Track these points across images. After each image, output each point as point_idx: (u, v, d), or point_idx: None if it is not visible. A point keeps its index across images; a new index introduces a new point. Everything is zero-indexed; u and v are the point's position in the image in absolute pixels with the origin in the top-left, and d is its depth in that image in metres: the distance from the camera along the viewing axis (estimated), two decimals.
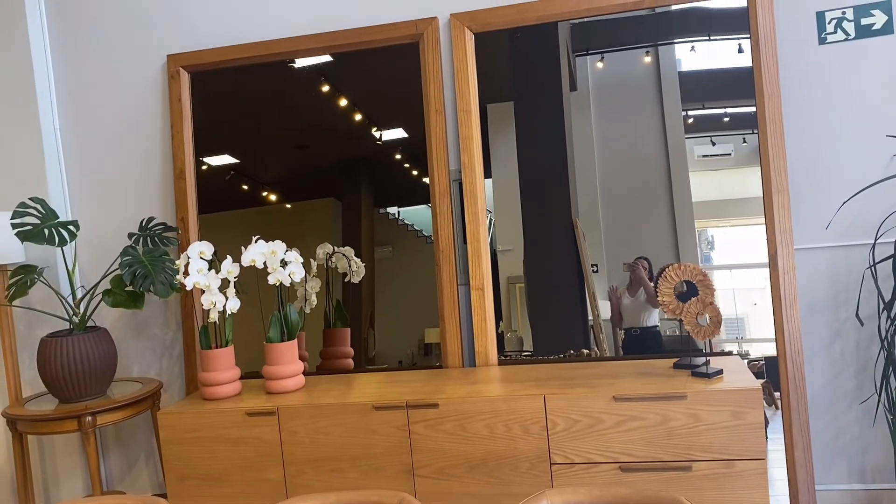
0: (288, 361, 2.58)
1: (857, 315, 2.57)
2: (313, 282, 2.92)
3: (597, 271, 2.70)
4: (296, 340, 2.61)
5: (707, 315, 2.29)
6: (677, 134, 2.64)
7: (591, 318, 2.69)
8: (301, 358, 2.67)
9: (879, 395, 2.43)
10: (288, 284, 2.54)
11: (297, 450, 2.41)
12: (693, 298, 2.31)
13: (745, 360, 2.58)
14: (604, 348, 2.69)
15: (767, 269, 2.53)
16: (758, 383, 2.15)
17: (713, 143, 2.62)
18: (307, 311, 2.92)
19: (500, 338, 2.78)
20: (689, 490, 2.17)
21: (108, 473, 3.11)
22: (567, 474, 2.24)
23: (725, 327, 2.64)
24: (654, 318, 2.65)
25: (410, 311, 2.88)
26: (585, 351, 2.69)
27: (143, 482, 3.10)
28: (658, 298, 2.33)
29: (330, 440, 2.39)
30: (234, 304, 2.54)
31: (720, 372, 2.28)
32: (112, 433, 3.11)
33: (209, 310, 2.51)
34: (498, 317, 2.79)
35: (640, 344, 2.66)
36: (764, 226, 2.53)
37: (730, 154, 2.62)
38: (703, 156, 2.63)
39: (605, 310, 2.69)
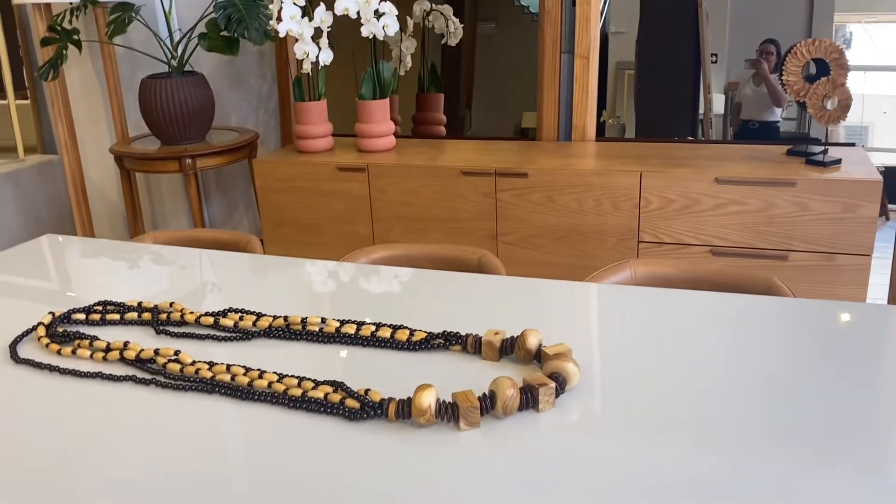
0: (380, 120, 2.54)
1: None
2: (408, 41, 2.79)
3: (716, 62, 2.45)
4: (388, 100, 2.55)
5: (836, 98, 2.06)
6: None
7: (702, 111, 2.49)
8: (393, 121, 2.62)
9: None
10: (381, 37, 2.43)
11: (385, 206, 2.44)
12: (823, 78, 2.07)
13: None
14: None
15: None
16: (878, 175, 1.97)
17: None
18: (401, 73, 2.82)
19: (601, 126, 2.63)
20: (781, 279, 2.10)
21: (210, 217, 3.29)
22: (654, 252, 2.20)
23: (847, 134, 2.41)
24: (775, 114, 2.43)
25: (510, 93, 2.74)
26: (691, 139, 2.52)
27: (242, 228, 3.28)
28: (783, 77, 2.10)
29: (418, 201, 2.40)
30: (326, 56, 2.47)
31: (838, 161, 2.10)
32: (213, 180, 3.25)
33: (302, 60, 2.45)
34: (602, 105, 2.62)
35: (756, 137, 2.46)
36: None
37: None
38: None
39: (719, 104, 2.47)
